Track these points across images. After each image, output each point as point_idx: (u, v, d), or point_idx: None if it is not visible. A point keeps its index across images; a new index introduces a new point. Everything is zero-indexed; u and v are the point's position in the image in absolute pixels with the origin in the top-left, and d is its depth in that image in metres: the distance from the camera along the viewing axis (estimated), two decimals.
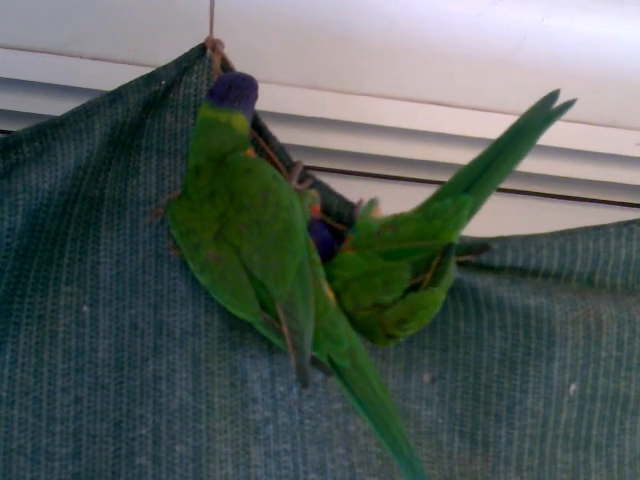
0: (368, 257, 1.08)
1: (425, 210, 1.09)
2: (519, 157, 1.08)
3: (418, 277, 1.05)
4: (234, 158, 1.06)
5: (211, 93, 1.09)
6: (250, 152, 1.09)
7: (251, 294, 1.02)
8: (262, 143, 1.16)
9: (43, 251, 1.07)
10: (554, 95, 1.07)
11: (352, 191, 1.19)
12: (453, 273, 1.09)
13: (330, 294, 1.06)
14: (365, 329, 1.07)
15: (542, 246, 1.18)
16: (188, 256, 1.05)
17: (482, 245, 1.11)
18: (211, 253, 1.02)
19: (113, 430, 1.06)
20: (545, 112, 1.07)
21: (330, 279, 1.07)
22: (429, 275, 1.05)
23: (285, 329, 1.00)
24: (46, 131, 1.07)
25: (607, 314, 1.19)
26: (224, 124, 1.07)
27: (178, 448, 1.04)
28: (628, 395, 1.22)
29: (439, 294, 1.06)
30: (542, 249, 1.18)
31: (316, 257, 1.07)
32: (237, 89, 1.09)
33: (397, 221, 1.10)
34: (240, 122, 1.08)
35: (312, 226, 1.11)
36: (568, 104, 1.07)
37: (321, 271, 1.06)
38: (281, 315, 1.01)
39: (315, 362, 1.03)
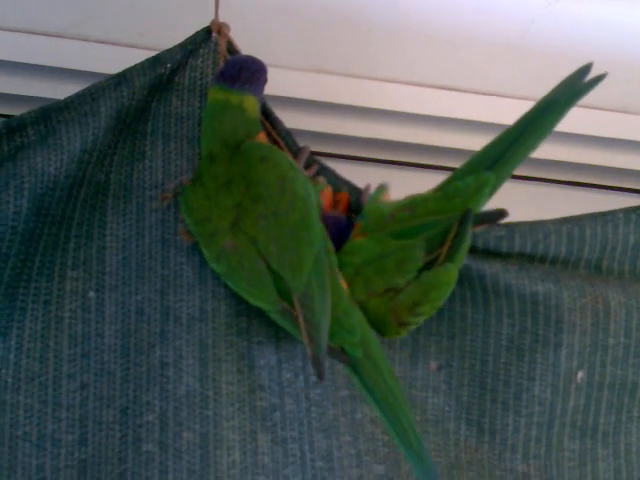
0: (379, 239, 1.07)
1: (445, 189, 1.08)
2: (545, 132, 1.07)
3: (432, 253, 1.04)
4: (249, 146, 1.05)
5: (221, 75, 1.08)
6: (262, 136, 1.09)
7: (269, 283, 1.01)
8: (269, 128, 1.15)
9: (49, 235, 1.06)
10: (586, 68, 1.07)
11: (360, 177, 1.19)
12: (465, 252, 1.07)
13: (344, 283, 1.05)
14: (376, 318, 1.05)
15: (550, 232, 1.17)
16: (203, 244, 1.04)
17: (497, 212, 1.07)
18: (228, 242, 1.02)
19: (120, 416, 1.05)
20: (576, 86, 1.07)
21: (340, 267, 1.06)
22: (445, 248, 1.03)
23: (301, 321, 1.00)
24: (51, 114, 1.06)
25: (615, 301, 1.18)
26: (236, 106, 1.06)
27: (185, 435, 1.03)
28: (636, 382, 1.21)
29: (452, 271, 1.03)
30: (550, 235, 1.17)
31: (330, 246, 1.06)
32: (248, 71, 1.08)
33: (415, 202, 1.09)
34: (252, 104, 1.07)
35: (328, 217, 1.10)
36: (598, 78, 1.06)
37: (335, 260, 1.06)
38: (297, 307, 1.00)
39: (332, 351, 1.02)
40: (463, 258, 1.06)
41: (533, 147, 1.08)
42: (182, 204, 1.06)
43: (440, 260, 1.04)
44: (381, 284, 1.05)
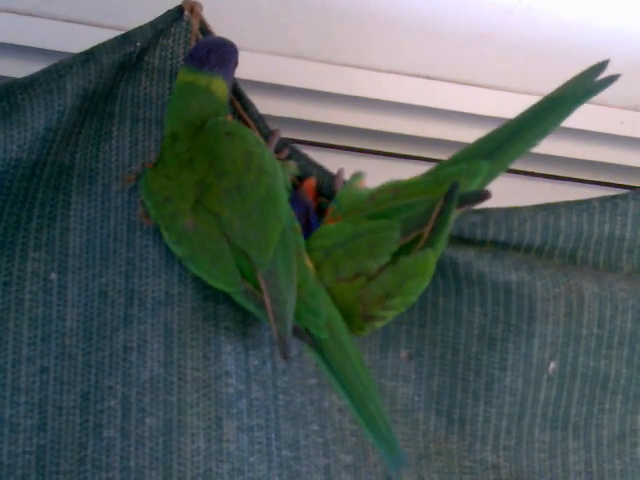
0: (354, 220, 1.04)
1: (435, 174, 1.06)
2: (548, 129, 1.05)
3: (409, 235, 1.00)
4: (214, 122, 1.03)
5: (190, 56, 1.06)
6: (230, 119, 1.07)
7: (232, 263, 0.99)
8: (240, 110, 1.14)
9: (10, 215, 1.04)
10: (601, 66, 1.05)
11: (333, 165, 1.17)
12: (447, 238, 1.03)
13: (310, 264, 1.03)
14: (341, 308, 1.02)
15: (525, 219, 1.16)
16: (164, 226, 1.02)
17: (480, 193, 1.01)
18: (189, 222, 1.00)
19: (80, 402, 1.02)
20: (586, 84, 1.05)
21: (309, 251, 1.03)
22: (427, 229, 1.00)
23: (266, 298, 0.98)
24: (15, 90, 1.04)
25: (589, 291, 1.18)
26: (203, 88, 1.05)
27: (148, 421, 1.01)
28: (608, 374, 1.21)
29: (431, 259, 0.99)
30: (525, 223, 1.16)
31: (297, 225, 1.04)
32: (217, 53, 1.06)
33: (399, 184, 1.06)
34: (220, 87, 1.06)
35: (298, 200, 1.08)
36: (611, 79, 1.05)
37: (302, 240, 1.04)
38: (262, 284, 0.98)
39: (297, 332, 1.00)
40: (444, 244, 1.03)
41: (534, 142, 1.05)
42: (142, 187, 1.04)
43: (420, 245, 1.00)
44: (351, 267, 1.02)
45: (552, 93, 1.06)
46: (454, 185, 0.99)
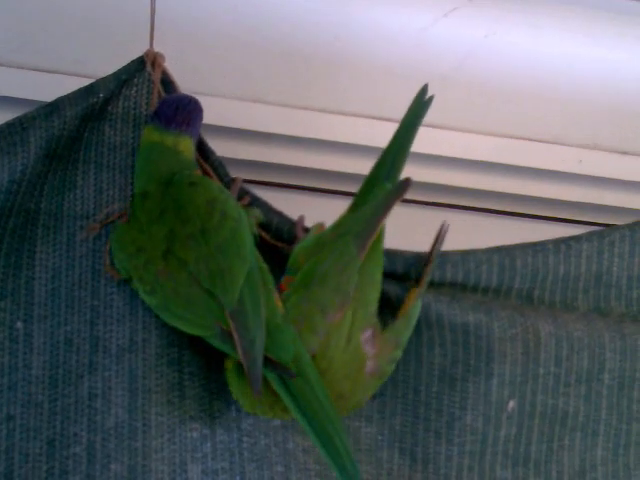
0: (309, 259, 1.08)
1: (357, 204, 1.11)
2: (410, 145, 1.12)
3: (366, 244, 1.05)
4: (179, 175, 1.05)
5: (157, 115, 1.08)
6: (197, 173, 1.09)
7: (204, 306, 1.01)
8: (201, 160, 1.14)
9: None
10: (425, 89, 1.13)
11: (293, 205, 1.18)
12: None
13: (279, 303, 1.04)
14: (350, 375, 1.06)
15: (481, 262, 1.18)
16: (137, 277, 1.03)
17: (403, 182, 1.07)
18: (161, 270, 1.01)
19: (46, 449, 1.04)
20: (421, 106, 1.13)
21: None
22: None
23: (235, 336, 0.99)
24: None
25: (545, 331, 1.19)
26: (171, 148, 1.07)
27: (113, 467, 1.02)
28: (566, 411, 1.22)
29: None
30: (481, 265, 1.18)
31: (264, 266, 1.06)
32: (184, 112, 1.08)
33: (335, 224, 1.11)
34: (187, 146, 1.08)
35: None
36: (430, 99, 1.12)
37: (270, 278, 1.06)
38: (230, 322, 0.99)
39: (271, 364, 1.01)
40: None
41: (405, 159, 1.12)
42: (113, 241, 1.06)
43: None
44: (331, 297, 1.04)
45: (403, 119, 1.13)
46: (406, 181, 1.07)
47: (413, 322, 1.11)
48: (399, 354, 1.09)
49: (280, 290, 1.06)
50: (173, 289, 1.01)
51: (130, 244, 1.04)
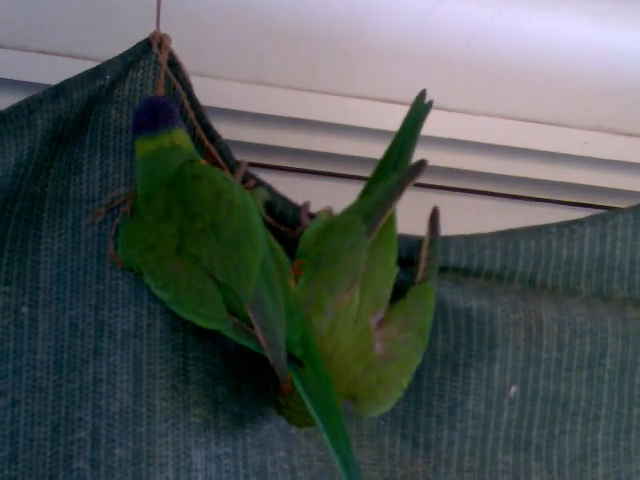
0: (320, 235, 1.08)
1: (369, 192, 1.12)
2: (417, 137, 1.14)
3: (375, 226, 1.05)
4: (181, 167, 1.05)
5: (139, 126, 1.07)
6: (202, 162, 1.08)
7: (218, 300, 1.00)
8: (207, 142, 1.14)
9: None
10: (423, 93, 1.15)
11: (298, 189, 1.19)
12: None
13: (293, 283, 1.04)
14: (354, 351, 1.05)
15: (485, 246, 1.18)
16: (149, 272, 1.03)
17: (419, 163, 1.09)
18: (175, 265, 1.01)
19: (51, 434, 1.04)
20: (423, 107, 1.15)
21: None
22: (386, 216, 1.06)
23: (257, 327, 0.99)
24: None
25: (548, 316, 1.20)
26: (170, 147, 1.06)
27: (117, 452, 1.03)
28: (568, 396, 1.23)
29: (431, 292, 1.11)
30: (485, 249, 1.18)
31: (278, 246, 1.06)
32: (162, 109, 1.07)
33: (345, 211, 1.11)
34: (182, 137, 1.08)
35: None
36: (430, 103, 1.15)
37: (285, 260, 1.06)
38: (250, 314, 0.99)
39: (288, 356, 1.00)
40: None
41: (413, 151, 1.13)
42: (122, 236, 1.06)
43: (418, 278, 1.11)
44: (341, 277, 1.04)
45: (401, 125, 1.14)
46: (421, 162, 1.08)
47: (427, 306, 1.09)
48: (412, 336, 1.06)
49: (295, 275, 1.06)
50: (186, 283, 1.01)
51: (139, 241, 1.03)
